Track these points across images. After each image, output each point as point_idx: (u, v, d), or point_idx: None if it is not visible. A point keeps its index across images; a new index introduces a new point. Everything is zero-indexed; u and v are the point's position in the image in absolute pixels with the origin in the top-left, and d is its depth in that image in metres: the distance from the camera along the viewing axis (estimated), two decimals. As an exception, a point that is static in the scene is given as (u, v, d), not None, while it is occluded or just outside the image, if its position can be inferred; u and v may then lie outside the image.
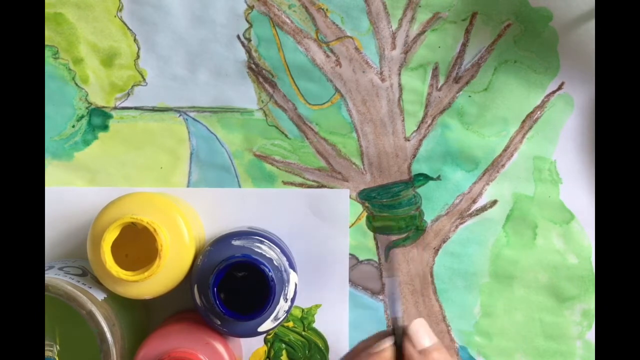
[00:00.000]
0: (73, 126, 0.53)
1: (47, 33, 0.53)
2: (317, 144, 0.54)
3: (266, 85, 0.54)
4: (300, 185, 0.54)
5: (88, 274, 0.48)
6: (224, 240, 0.47)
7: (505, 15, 0.53)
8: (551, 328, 0.54)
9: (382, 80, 0.54)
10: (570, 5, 0.53)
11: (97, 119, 0.53)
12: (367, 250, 0.54)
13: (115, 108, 0.53)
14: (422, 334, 0.43)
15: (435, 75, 0.54)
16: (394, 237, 0.54)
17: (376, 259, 0.54)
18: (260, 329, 0.47)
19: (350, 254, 0.54)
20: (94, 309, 0.45)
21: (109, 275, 0.46)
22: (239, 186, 0.54)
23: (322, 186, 0.54)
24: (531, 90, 0.54)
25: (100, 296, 0.46)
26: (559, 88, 0.54)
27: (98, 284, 0.47)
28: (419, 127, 0.54)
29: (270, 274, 0.44)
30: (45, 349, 0.44)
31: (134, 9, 0.53)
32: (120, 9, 0.53)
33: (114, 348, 0.45)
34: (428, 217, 0.54)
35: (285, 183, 0.54)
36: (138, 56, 0.53)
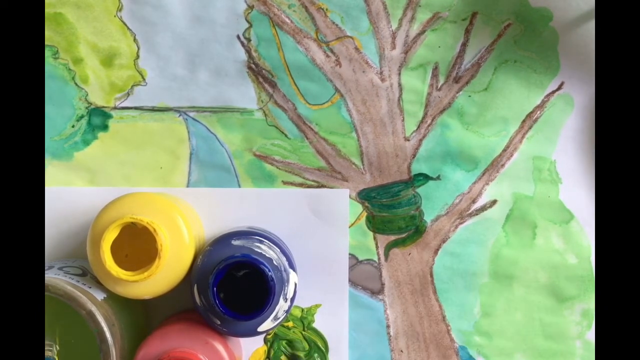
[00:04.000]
0: (73, 126, 0.53)
1: (47, 33, 0.53)
2: (317, 144, 0.54)
3: (266, 85, 0.54)
4: (300, 185, 0.54)
5: (88, 274, 0.48)
6: (223, 240, 0.47)
7: (505, 15, 0.53)
8: (551, 328, 0.54)
9: (382, 80, 0.54)
10: (570, 5, 0.53)
11: (97, 119, 0.53)
12: (367, 250, 0.54)
13: (115, 108, 0.53)
14: None
15: (435, 75, 0.54)
16: (393, 237, 0.54)
17: (376, 259, 0.54)
18: (260, 329, 0.47)
19: (350, 254, 0.54)
20: (93, 309, 0.45)
21: (108, 275, 0.46)
22: (239, 186, 0.54)
23: (322, 186, 0.54)
24: (531, 90, 0.54)
25: (100, 296, 0.46)
26: (559, 88, 0.54)
27: (98, 284, 0.47)
28: (418, 127, 0.54)
29: (270, 273, 0.44)
30: (45, 349, 0.44)
31: (133, 9, 0.53)
32: (120, 9, 0.53)
33: (114, 348, 0.45)
34: (428, 217, 0.54)
35: (285, 183, 0.54)
36: (138, 56, 0.53)
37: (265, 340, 0.54)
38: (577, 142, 0.54)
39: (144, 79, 0.53)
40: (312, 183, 0.54)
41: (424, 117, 0.54)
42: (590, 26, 0.53)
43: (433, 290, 0.54)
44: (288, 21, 0.53)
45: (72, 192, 0.53)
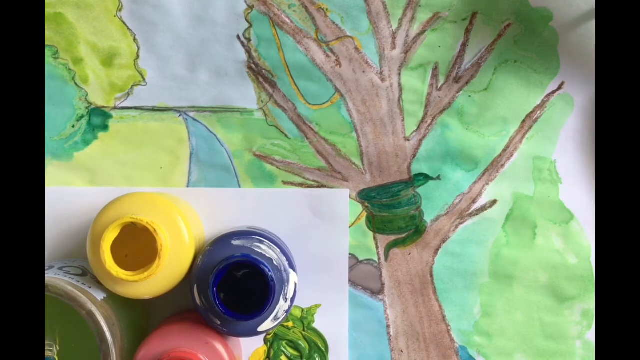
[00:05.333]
0: (73, 126, 0.53)
1: (47, 33, 0.53)
2: (317, 144, 0.54)
3: (266, 85, 0.54)
4: (300, 185, 0.54)
5: (88, 274, 0.48)
6: (223, 240, 0.47)
7: (505, 15, 0.53)
8: (551, 328, 0.54)
9: (382, 80, 0.54)
10: (570, 5, 0.53)
11: (97, 119, 0.53)
12: (367, 250, 0.54)
13: (115, 108, 0.53)
14: None
15: (435, 75, 0.54)
16: (393, 237, 0.54)
17: (376, 259, 0.54)
18: (260, 329, 0.47)
19: (350, 254, 0.54)
20: (93, 309, 0.45)
21: (108, 275, 0.46)
22: (239, 186, 0.54)
23: (322, 186, 0.54)
24: (531, 90, 0.54)
25: (100, 296, 0.46)
26: (559, 88, 0.54)
27: (98, 284, 0.47)
28: (419, 127, 0.54)
29: (270, 273, 0.44)
30: (45, 349, 0.44)
31: (133, 9, 0.53)
32: (120, 9, 0.53)
33: (114, 348, 0.45)
34: (428, 217, 0.54)
35: (285, 183, 0.54)
36: (138, 56, 0.53)
37: (265, 340, 0.54)
38: (577, 142, 0.54)
39: (144, 79, 0.53)
40: (312, 183, 0.54)
41: (424, 117, 0.54)
42: (590, 26, 0.53)
43: (433, 290, 0.54)
44: (288, 21, 0.53)
45: (72, 192, 0.53)
